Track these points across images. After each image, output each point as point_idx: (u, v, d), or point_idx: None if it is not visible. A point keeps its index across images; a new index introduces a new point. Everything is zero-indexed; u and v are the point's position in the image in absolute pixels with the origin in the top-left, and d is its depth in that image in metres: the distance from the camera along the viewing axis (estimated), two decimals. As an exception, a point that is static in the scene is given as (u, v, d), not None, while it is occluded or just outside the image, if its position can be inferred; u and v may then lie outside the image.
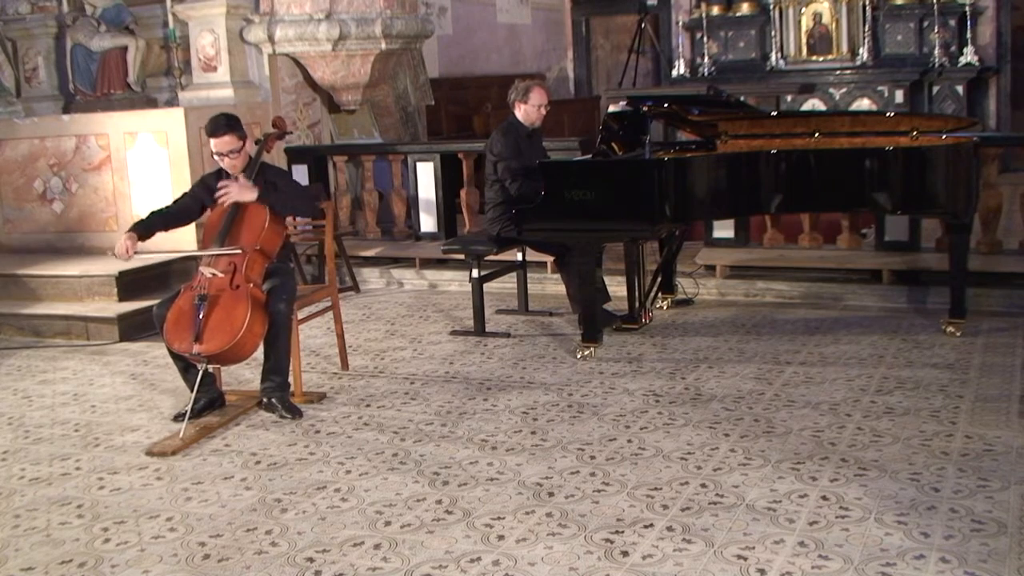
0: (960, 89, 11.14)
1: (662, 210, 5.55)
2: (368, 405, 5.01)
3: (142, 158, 7.66)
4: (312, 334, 6.32)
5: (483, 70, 12.74)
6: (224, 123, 4.96)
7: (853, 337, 5.76)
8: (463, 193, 8.12)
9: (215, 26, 8.39)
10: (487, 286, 6.41)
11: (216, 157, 4.99)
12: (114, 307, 6.83)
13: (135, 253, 4.88)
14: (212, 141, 4.95)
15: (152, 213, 5.13)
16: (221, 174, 5.07)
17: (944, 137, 5.75)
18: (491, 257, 6.38)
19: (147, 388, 5.54)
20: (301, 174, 8.22)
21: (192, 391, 4.76)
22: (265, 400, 4.91)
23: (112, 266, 7.12)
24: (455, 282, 7.70)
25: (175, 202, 5.24)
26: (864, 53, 11.44)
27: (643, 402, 4.81)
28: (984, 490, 3.62)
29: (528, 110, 6.17)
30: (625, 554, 3.28)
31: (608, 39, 14.88)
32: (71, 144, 7.88)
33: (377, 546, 3.45)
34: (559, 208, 5.61)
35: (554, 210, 5.62)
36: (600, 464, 4.06)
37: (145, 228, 5.00)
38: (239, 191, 4.88)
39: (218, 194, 4.89)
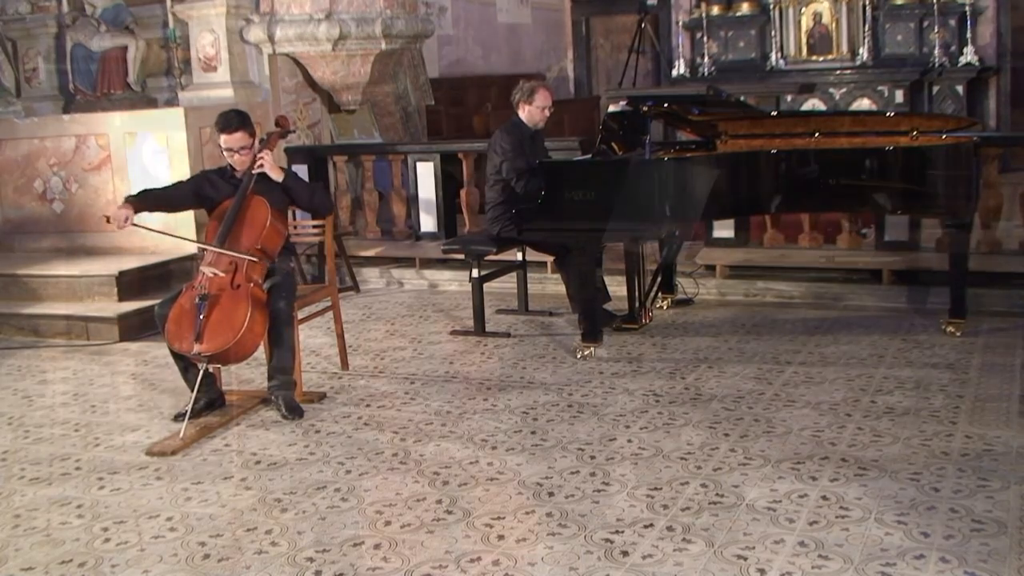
0: (960, 89, 11.12)
1: (662, 210, 5.55)
2: (368, 405, 5.01)
3: (142, 158, 7.66)
4: (312, 334, 6.32)
5: (483, 70, 12.73)
6: (236, 119, 4.98)
7: (853, 337, 5.76)
8: (463, 193, 8.11)
9: (215, 26, 8.40)
10: (487, 286, 6.41)
11: (225, 152, 5.01)
12: (114, 307, 6.83)
13: (133, 224, 4.89)
14: (223, 137, 4.97)
15: (144, 190, 5.13)
16: (225, 171, 5.09)
17: (944, 137, 5.75)
18: (491, 257, 6.39)
19: (147, 388, 5.54)
20: (301, 174, 8.21)
21: (192, 391, 4.76)
22: (272, 397, 4.92)
23: (112, 266, 7.13)
24: (455, 282, 7.70)
25: (168, 186, 5.25)
26: (864, 53, 11.43)
27: (643, 402, 4.81)
28: (984, 490, 3.61)
29: (532, 111, 6.17)
30: (625, 554, 3.28)
31: (608, 39, 14.87)
32: (71, 144, 7.88)
33: (377, 546, 3.45)
34: (559, 208, 5.61)
35: (554, 210, 5.62)
36: (600, 464, 4.06)
37: (140, 201, 4.99)
38: (272, 165, 4.97)
39: (258, 156, 4.96)
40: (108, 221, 4.89)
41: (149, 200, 5.06)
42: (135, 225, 4.91)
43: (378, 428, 4.65)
